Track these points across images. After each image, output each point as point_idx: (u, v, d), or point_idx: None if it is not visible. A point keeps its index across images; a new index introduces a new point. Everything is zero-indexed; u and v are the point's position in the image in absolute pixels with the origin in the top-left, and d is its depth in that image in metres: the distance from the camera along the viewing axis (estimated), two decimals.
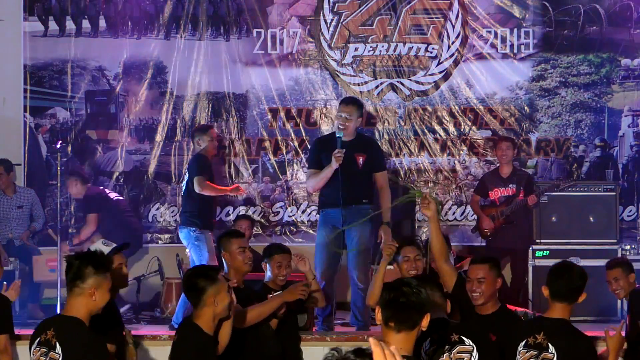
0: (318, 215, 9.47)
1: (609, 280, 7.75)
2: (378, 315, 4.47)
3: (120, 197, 11.03)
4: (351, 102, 9.32)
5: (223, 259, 7.14)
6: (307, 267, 7.62)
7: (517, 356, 5.73)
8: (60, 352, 5.26)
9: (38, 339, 5.38)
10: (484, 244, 10.50)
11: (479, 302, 6.64)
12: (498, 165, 10.60)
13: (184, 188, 9.77)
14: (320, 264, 8.97)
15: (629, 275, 7.70)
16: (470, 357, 5.30)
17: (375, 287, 7.20)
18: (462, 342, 5.26)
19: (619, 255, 10.23)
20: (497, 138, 11.02)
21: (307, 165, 11.32)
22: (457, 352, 5.23)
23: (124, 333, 6.47)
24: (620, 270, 7.70)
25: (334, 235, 8.94)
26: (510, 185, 10.40)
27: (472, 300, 6.66)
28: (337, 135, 9.06)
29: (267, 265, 7.40)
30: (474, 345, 5.25)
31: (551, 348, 5.62)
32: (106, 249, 6.21)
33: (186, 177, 9.74)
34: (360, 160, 9.13)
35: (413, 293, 4.46)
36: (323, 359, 3.07)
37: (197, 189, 9.39)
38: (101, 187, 11.00)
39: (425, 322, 4.45)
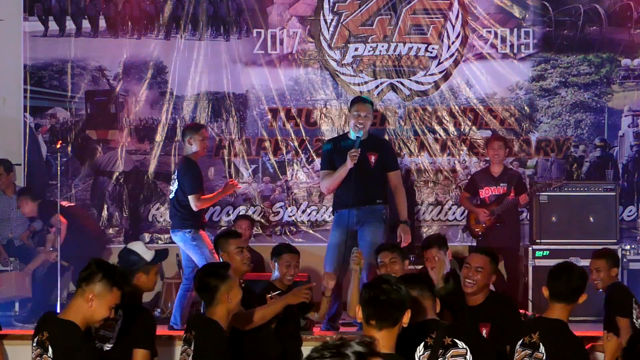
0: (332, 216, 9.49)
1: (591, 269, 7.77)
2: (359, 313, 4.48)
3: (72, 204, 10.91)
4: (368, 102, 9.37)
5: (221, 260, 7.13)
6: (332, 285, 7.66)
7: (515, 354, 5.74)
8: (51, 355, 5.26)
9: (36, 337, 5.39)
10: (474, 244, 10.54)
11: (469, 291, 6.67)
12: (489, 164, 10.64)
13: (172, 194, 9.55)
14: (331, 264, 8.95)
15: (611, 269, 7.71)
16: None
17: (352, 298, 7.26)
18: (455, 345, 5.23)
19: (619, 256, 10.23)
20: (489, 137, 11.01)
21: (306, 166, 11.37)
22: (451, 356, 5.20)
23: None
24: (604, 261, 7.72)
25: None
26: (501, 184, 10.43)
27: (464, 288, 6.69)
28: (357, 135, 9.06)
29: (276, 264, 7.39)
30: (467, 348, 5.22)
31: (542, 348, 5.63)
32: (148, 253, 6.14)
33: (176, 183, 9.53)
34: (373, 159, 9.14)
35: (393, 290, 4.46)
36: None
37: (194, 207, 9.29)
38: (52, 198, 10.85)
39: (406, 319, 4.45)
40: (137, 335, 5.89)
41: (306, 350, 7.54)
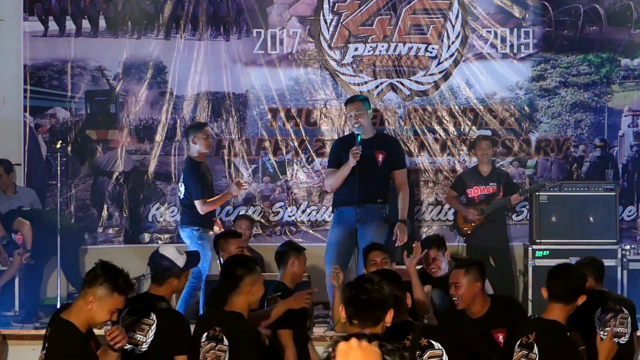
0: (332, 214, 9.49)
1: None
2: (342, 313, 4.46)
3: (29, 207, 10.82)
4: (356, 99, 9.38)
5: (221, 260, 7.13)
6: (341, 278, 7.69)
7: (513, 355, 5.74)
8: (45, 352, 5.29)
9: (45, 332, 5.43)
10: (463, 243, 10.56)
11: (461, 307, 6.66)
12: (477, 163, 10.68)
13: (182, 195, 9.62)
14: (331, 262, 8.93)
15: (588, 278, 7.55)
16: None
17: (335, 314, 7.22)
18: (431, 347, 5.18)
19: (619, 256, 10.24)
20: (476, 137, 11.02)
21: (306, 166, 11.37)
22: (428, 357, 5.17)
23: None
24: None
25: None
26: (490, 184, 10.47)
27: (457, 307, 6.69)
28: (357, 133, 9.07)
29: (295, 261, 7.32)
30: (443, 349, 5.19)
31: (535, 349, 5.63)
32: (180, 259, 6.08)
33: (183, 186, 9.60)
34: (380, 157, 9.14)
35: (375, 289, 4.43)
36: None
37: (200, 212, 9.36)
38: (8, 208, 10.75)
39: (389, 318, 4.42)
40: (176, 341, 5.86)
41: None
